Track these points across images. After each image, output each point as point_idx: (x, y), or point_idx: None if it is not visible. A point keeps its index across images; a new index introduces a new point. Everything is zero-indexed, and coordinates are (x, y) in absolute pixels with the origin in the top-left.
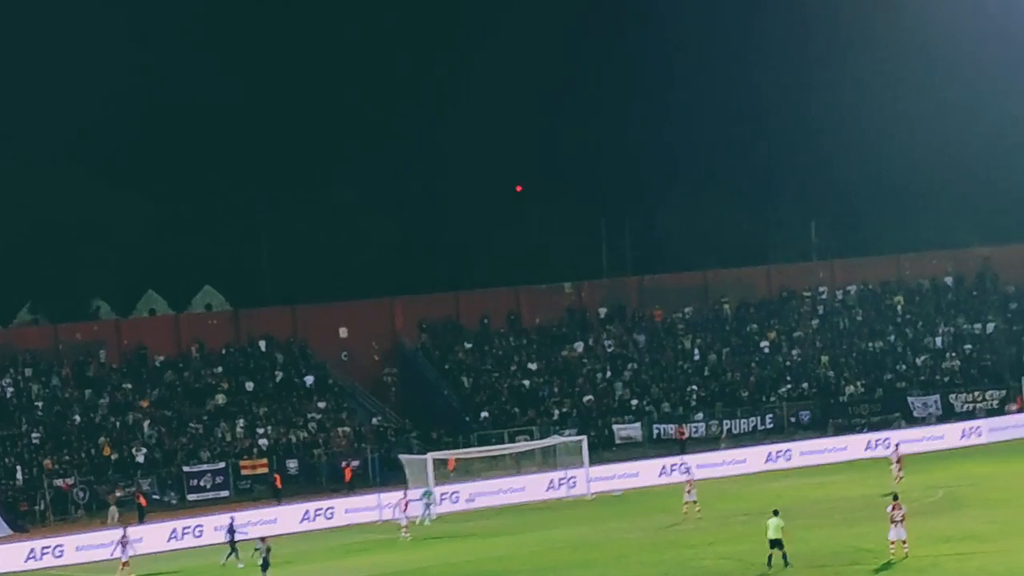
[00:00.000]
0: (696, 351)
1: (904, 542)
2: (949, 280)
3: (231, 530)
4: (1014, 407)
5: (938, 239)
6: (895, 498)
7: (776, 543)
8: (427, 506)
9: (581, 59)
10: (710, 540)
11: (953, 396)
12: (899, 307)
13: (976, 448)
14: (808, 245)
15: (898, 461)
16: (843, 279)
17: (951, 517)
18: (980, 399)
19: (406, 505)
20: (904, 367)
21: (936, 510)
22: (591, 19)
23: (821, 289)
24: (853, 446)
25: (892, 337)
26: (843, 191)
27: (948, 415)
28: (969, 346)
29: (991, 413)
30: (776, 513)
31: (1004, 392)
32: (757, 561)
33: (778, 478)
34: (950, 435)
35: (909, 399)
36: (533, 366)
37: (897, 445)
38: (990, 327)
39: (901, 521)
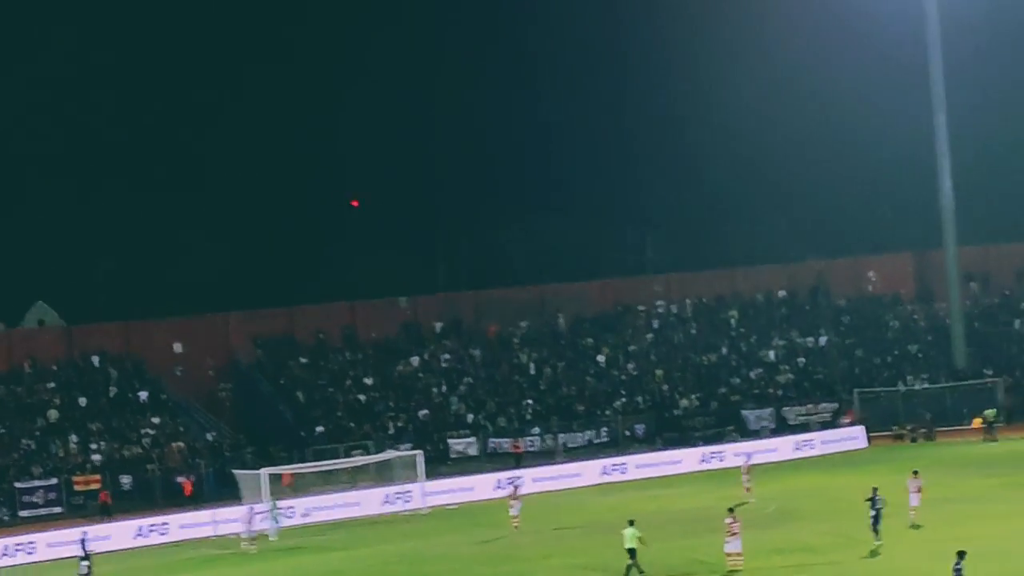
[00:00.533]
0: (531, 365)
1: (739, 554)
2: (783, 294)
3: (84, 545)
4: (846, 420)
5: (772, 253)
6: (731, 511)
7: (631, 552)
8: (275, 519)
9: (418, 75)
10: (545, 554)
11: (787, 409)
12: (733, 321)
13: (809, 460)
14: (643, 259)
15: (747, 472)
16: (678, 293)
17: (784, 529)
18: (813, 412)
19: (252, 518)
20: (738, 380)
21: (770, 522)
22: (428, 36)
23: (657, 303)
24: (688, 459)
25: (726, 351)
26: (678, 205)
27: (782, 428)
28: (802, 359)
29: (824, 426)
30: (631, 523)
31: (837, 405)
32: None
33: (614, 491)
34: (783, 448)
35: (743, 412)
36: (369, 380)
37: (748, 455)
38: (823, 340)
39: (738, 533)
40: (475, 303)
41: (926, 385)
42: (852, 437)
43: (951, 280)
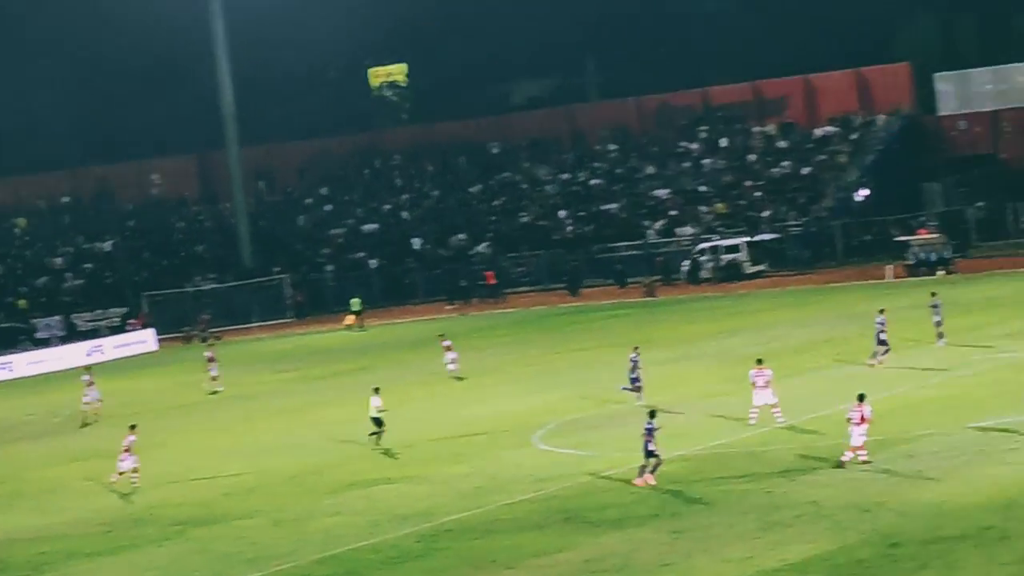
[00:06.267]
0: None
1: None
2: (66, 200)
3: None
4: (136, 323)
5: (54, 159)
6: (133, 427)
7: (376, 421)
8: None
9: None
10: None
11: (76, 316)
12: (19, 230)
13: (102, 366)
14: None
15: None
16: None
17: (79, 436)
18: (103, 317)
19: None
20: (27, 289)
21: (61, 431)
22: None
23: None
24: None
25: (12, 260)
26: None
27: (72, 335)
28: (90, 265)
29: (115, 331)
30: (376, 390)
31: (127, 309)
32: None
33: None
34: (73, 355)
35: (32, 320)
36: None
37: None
38: (109, 245)
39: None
40: None
41: (214, 285)
42: (142, 341)
43: (235, 180)
